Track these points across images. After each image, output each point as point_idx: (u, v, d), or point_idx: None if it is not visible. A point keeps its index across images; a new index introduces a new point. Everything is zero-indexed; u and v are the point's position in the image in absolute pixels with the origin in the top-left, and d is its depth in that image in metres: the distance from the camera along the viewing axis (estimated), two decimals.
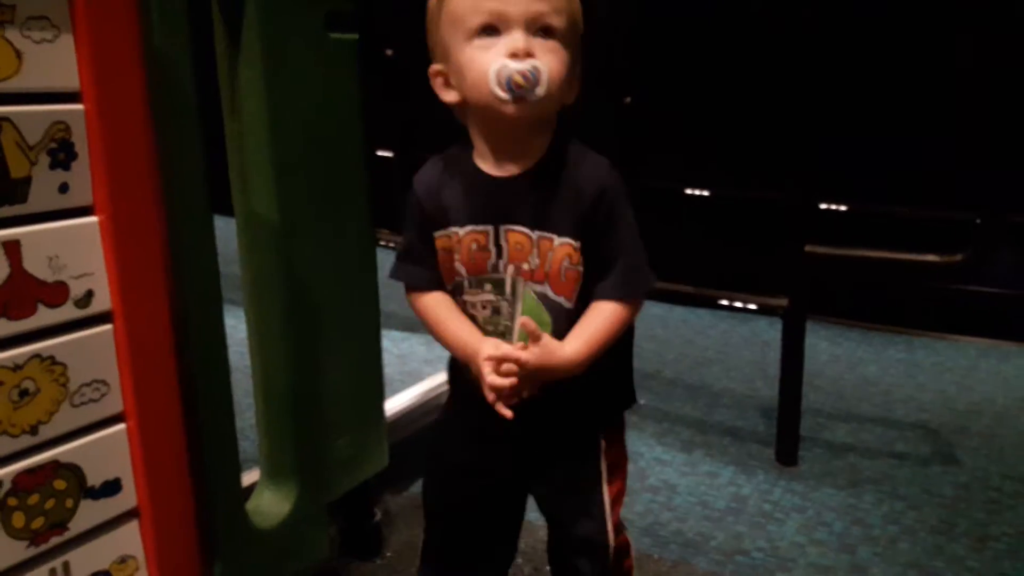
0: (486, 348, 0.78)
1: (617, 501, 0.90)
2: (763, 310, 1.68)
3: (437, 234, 0.84)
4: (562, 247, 0.80)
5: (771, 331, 2.21)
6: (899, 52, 2.11)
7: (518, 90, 0.74)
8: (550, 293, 0.82)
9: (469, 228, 0.82)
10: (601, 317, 0.81)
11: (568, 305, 0.82)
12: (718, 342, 2.29)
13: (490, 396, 0.77)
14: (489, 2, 0.75)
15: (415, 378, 1.63)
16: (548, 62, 0.75)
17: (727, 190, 2.50)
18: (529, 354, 0.76)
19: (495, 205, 0.81)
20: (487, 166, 0.82)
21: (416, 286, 0.86)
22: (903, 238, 2.10)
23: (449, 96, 0.81)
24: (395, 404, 1.38)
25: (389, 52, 1.92)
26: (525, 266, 0.81)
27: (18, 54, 0.58)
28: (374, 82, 1.04)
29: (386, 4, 1.69)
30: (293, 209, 0.89)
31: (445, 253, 0.84)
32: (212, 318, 0.78)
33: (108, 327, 0.65)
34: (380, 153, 1.71)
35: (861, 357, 2.16)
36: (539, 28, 0.75)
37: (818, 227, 1.57)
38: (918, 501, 1.45)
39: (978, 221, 1.46)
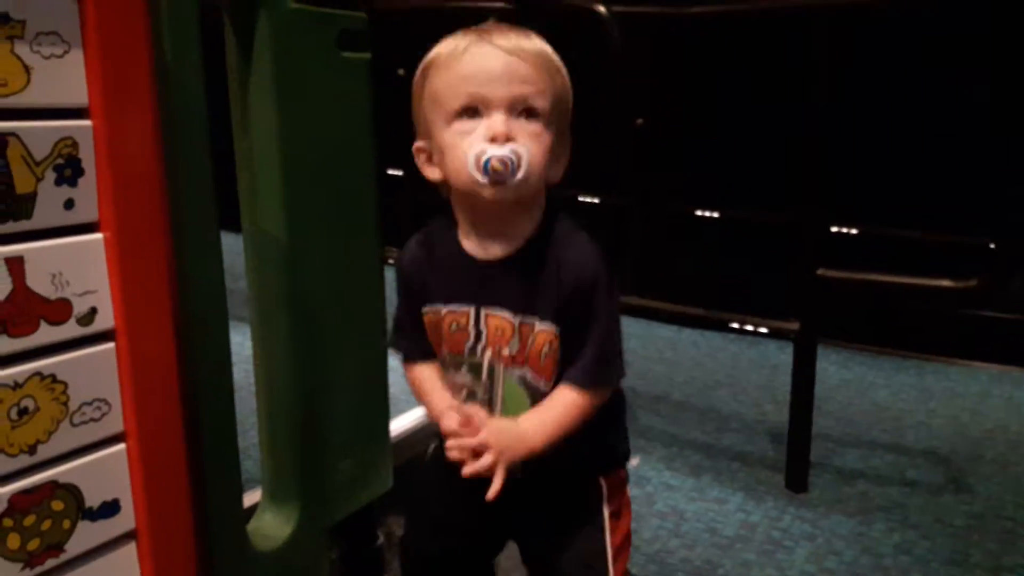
0: (444, 421, 0.80)
1: (622, 551, 0.88)
2: (774, 334, 1.67)
3: (424, 309, 0.85)
4: (543, 333, 0.80)
5: (781, 354, 2.19)
6: (914, 75, 2.10)
7: (496, 175, 0.73)
8: (529, 377, 0.82)
9: (451, 307, 0.83)
10: (562, 405, 0.80)
11: (546, 389, 0.82)
12: (727, 365, 2.27)
13: (464, 472, 0.78)
14: (469, 85, 0.75)
15: None
16: (529, 145, 0.74)
17: (738, 212, 2.49)
18: (486, 435, 0.77)
19: (477, 287, 0.82)
20: (471, 245, 0.82)
21: (406, 357, 0.89)
22: (917, 262, 2.08)
23: (432, 174, 0.82)
24: (400, 424, 1.37)
25: (401, 72, 1.92)
26: (505, 351, 0.81)
27: (27, 69, 0.58)
28: (386, 101, 1.04)
29: (399, 23, 1.69)
30: (302, 227, 0.88)
31: (433, 328, 0.85)
32: (217, 337, 0.77)
33: (111, 345, 0.64)
34: (390, 172, 1.71)
35: (872, 382, 2.14)
36: (521, 110, 0.75)
37: (831, 250, 1.55)
38: (930, 531, 1.42)
39: (992, 246, 1.45)
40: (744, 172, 2.38)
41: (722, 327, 1.87)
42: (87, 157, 0.61)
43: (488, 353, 0.82)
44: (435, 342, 0.86)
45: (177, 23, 0.69)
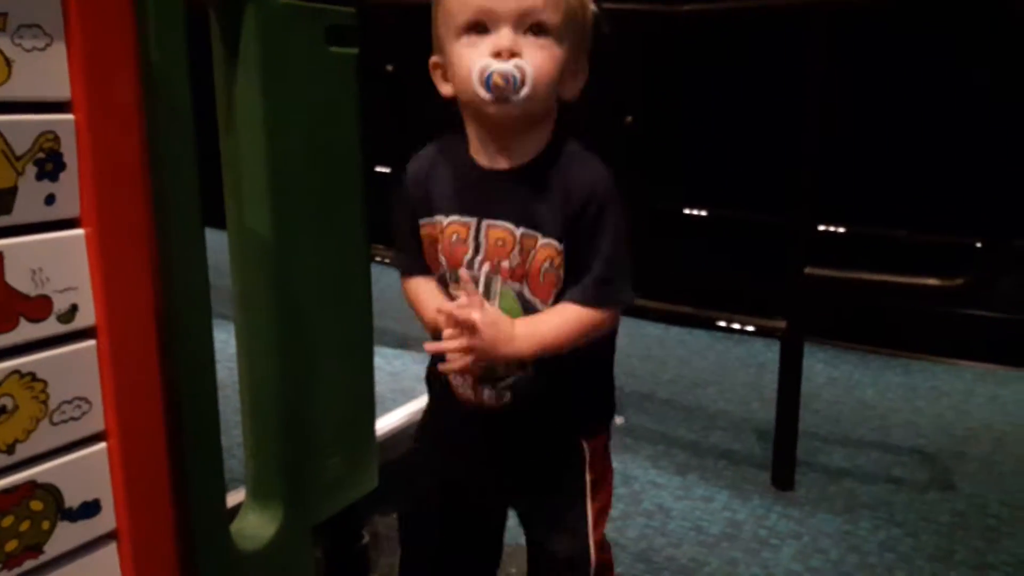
0: (445, 303, 0.78)
1: (601, 517, 0.88)
2: (762, 332, 1.67)
3: (423, 222, 0.83)
4: (545, 247, 0.78)
5: (767, 352, 2.20)
6: (904, 75, 2.11)
7: (498, 91, 0.72)
8: (527, 293, 0.79)
9: (452, 218, 0.81)
10: (559, 317, 0.78)
11: (543, 309, 0.80)
12: (714, 363, 2.27)
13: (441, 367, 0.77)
14: None
15: (408, 396, 1.61)
16: (537, 61, 0.73)
17: (726, 211, 2.50)
18: (480, 316, 0.75)
19: (481, 198, 0.80)
20: (480, 158, 0.81)
21: (403, 271, 0.87)
22: (903, 261, 2.10)
23: (446, 89, 0.80)
24: (387, 423, 1.36)
25: (390, 68, 1.91)
26: (505, 263, 0.79)
27: (8, 62, 0.57)
28: (374, 97, 1.03)
29: (388, 19, 1.68)
30: (287, 224, 0.88)
31: (430, 242, 0.83)
32: (200, 334, 0.76)
33: (91, 343, 0.63)
34: (378, 169, 1.70)
35: (858, 380, 2.15)
36: (530, 25, 0.73)
37: (818, 249, 1.56)
38: (915, 528, 1.43)
39: (979, 245, 1.46)
40: (733, 171, 2.39)
41: (709, 325, 1.87)
42: (69, 152, 0.61)
43: (486, 266, 0.80)
44: (432, 258, 0.84)
45: (163, 17, 0.68)
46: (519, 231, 0.78)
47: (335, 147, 0.92)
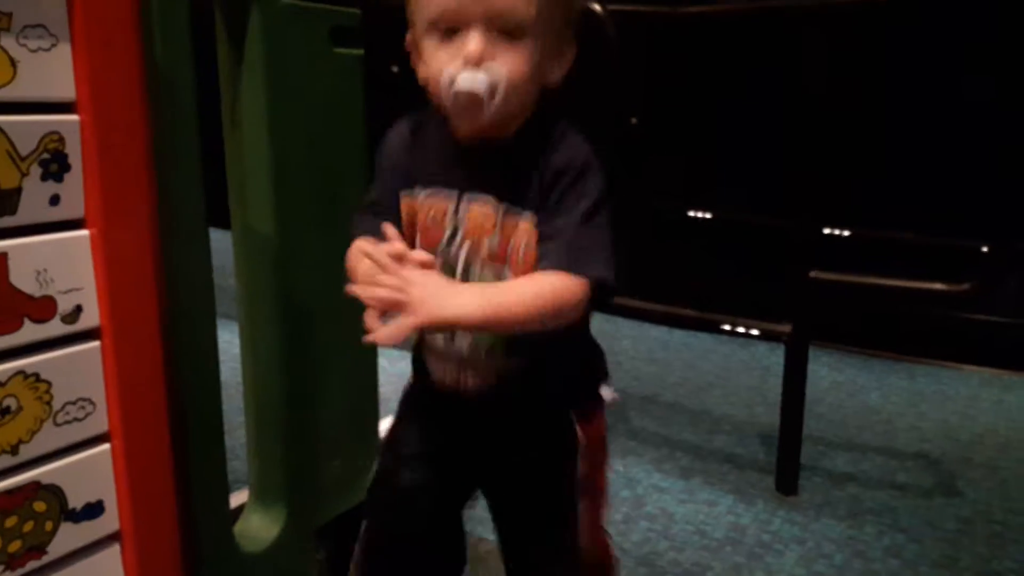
0: (372, 247, 0.67)
1: (596, 513, 0.82)
2: (766, 336, 1.67)
3: (402, 193, 0.76)
4: (525, 225, 0.71)
5: (772, 356, 2.19)
6: (909, 78, 2.11)
7: (464, 109, 0.68)
8: (507, 276, 0.73)
9: (430, 191, 0.75)
10: (524, 281, 0.69)
11: None
12: (718, 366, 2.27)
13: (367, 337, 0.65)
14: None
15: None
16: (509, 66, 0.67)
17: (731, 213, 2.50)
18: (403, 279, 0.64)
19: (463, 172, 0.74)
20: (460, 133, 0.74)
21: (360, 232, 0.76)
22: (909, 265, 2.09)
23: (421, 71, 0.74)
24: (389, 424, 1.36)
25: (395, 68, 1.91)
26: (484, 245, 0.72)
27: (13, 62, 0.57)
28: (379, 98, 1.03)
29: (393, 20, 1.68)
30: (291, 224, 0.88)
31: (408, 218, 0.76)
32: (204, 335, 0.76)
33: (96, 344, 0.63)
34: None
35: (862, 384, 2.14)
36: (500, 27, 0.67)
37: (823, 253, 1.55)
38: (920, 534, 1.42)
39: (985, 249, 1.45)
40: (737, 173, 2.38)
41: (714, 328, 1.86)
42: (73, 152, 0.61)
43: (465, 248, 0.73)
44: (408, 237, 0.76)
45: (168, 17, 0.68)
46: (501, 208, 0.72)
47: (340, 147, 0.92)
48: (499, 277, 0.72)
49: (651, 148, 1.92)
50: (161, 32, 0.67)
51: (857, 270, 1.55)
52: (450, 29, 0.68)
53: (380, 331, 0.65)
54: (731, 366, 2.27)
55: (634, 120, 1.71)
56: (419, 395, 0.85)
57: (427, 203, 0.75)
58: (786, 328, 1.55)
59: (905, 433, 1.84)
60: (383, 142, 0.79)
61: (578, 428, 0.80)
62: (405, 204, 0.76)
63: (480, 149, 0.74)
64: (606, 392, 0.85)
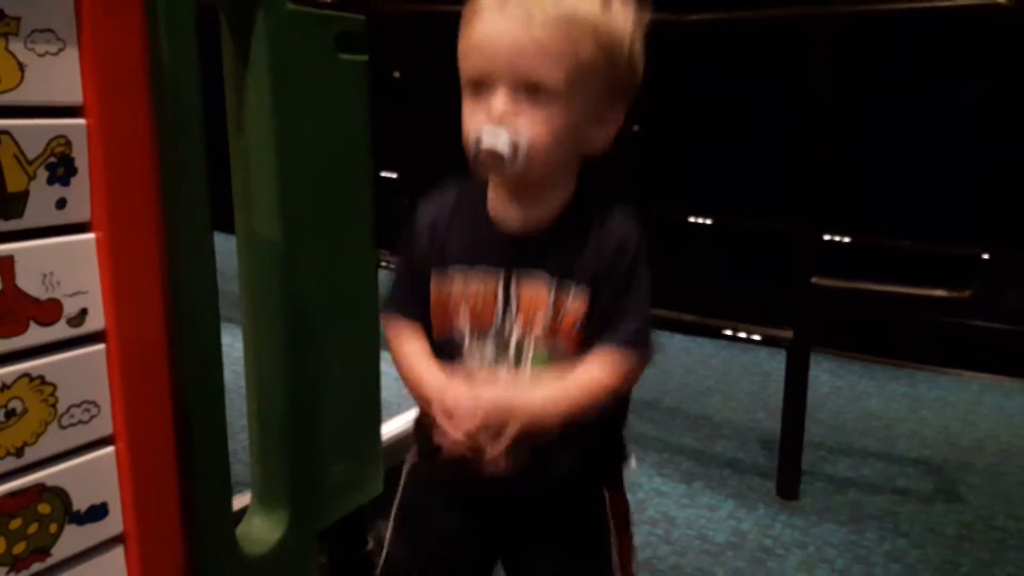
0: (448, 392, 0.68)
1: (628, 559, 0.82)
2: (768, 341, 1.67)
3: (434, 272, 0.76)
4: (577, 302, 0.72)
5: (772, 361, 2.20)
6: (911, 86, 2.11)
7: (487, 165, 0.68)
8: (561, 348, 0.73)
9: (469, 268, 0.74)
10: (587, 366, 0.71)
11: (573, 357, 0.73)
12: (719, 371, 2.27)
13: (450, 448, 0.67)
14: (474, 56, 0.69)
15: (413, 402, 1.60)
16: (532, 129, 0.67)
17: (732, 219, 2.50)
18: (490, 393, 0.66)
19: (508, 252, 0.74)
20: (501, 213, 0.74)
21: (390, 309, 0.79)
22: (910, 271, 2.10)
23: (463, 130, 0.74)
24: (392, 428, 1.36)
25: (397, 74, 1.92)
26: (539, 322, 0.73)
27: (21, 67, 0.57)
28: (381, 103, 1.03)
29: (395, 26, 1.69)
30: (296, 229, 0.88)
31: (439, 299, 0.76)
32: (208, 338, 0.76)
33: (101, 347, 0.63)
34: (384, 174, 1.71)
35: (863, 390, 2.15)
36: (525, 86, 0.67)
37: (824, 259, 1.56)
38: (921, 539, 1.42)
39: (986, 256, 1.45)
40: (739, 180, 2.39)
41: (715, 334, 1.87)
42: (80, 156, 0.61)
43: (518, 325, 0.73)
44: (441, 317, 0.76)
45: (174, 23, 0.68)
46: (553, 283, 0.72)
47: (344, 152, 0.93)
48: (553, 351, 0.73)
49: (654, 154, 1.93)
50: (167, 37, 0.68)
51: (858, 276, 1.56)
52: (482, 87, 0.69)
53: (493, 450, 0.67)
54: (732, 372, 2.27)
55: (636, 127, 1.71)
56: (428, 473, 0.83)
57: (470, 282, 0.74)
58: (787, 333, 1.55)
59: (906, 439, 1.85)
60: (416, 216, 0.78)
61: (607, 500, 0.80)
62: (436, 284, 0.76)
63: (522, 239, 0.74)
64: (632, 460, 0.85)
